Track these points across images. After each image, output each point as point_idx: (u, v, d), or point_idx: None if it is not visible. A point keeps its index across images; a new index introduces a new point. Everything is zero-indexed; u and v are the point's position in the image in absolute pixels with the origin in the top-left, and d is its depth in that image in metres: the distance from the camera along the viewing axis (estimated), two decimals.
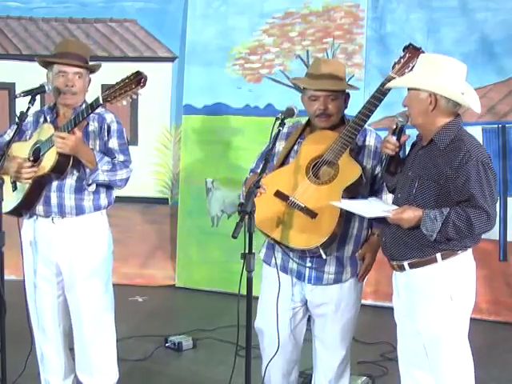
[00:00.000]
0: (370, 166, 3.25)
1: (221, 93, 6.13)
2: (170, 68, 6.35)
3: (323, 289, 3.28)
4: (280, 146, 3.36)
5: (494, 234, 5.34)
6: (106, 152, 3.54)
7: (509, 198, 5.41)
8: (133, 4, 6.37)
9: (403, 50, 3.20)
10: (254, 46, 6.07)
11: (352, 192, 3.14)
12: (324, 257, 3.13)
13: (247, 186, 3.21)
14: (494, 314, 5.40)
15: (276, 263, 3.20)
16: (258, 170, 3.33)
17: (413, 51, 3.17)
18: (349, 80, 5.60)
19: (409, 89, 2.95)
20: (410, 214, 2.85)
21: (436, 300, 2.93)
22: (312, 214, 3.08)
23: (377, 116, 5.66)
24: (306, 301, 3.34)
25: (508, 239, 5.44)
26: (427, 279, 2.94)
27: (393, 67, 3.18)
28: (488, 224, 2.82)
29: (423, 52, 3.19)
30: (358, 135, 3.15)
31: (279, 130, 3.09)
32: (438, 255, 2.91)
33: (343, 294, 3.29)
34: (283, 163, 3.29)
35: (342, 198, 3.08)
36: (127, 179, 3.57)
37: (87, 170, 3.45)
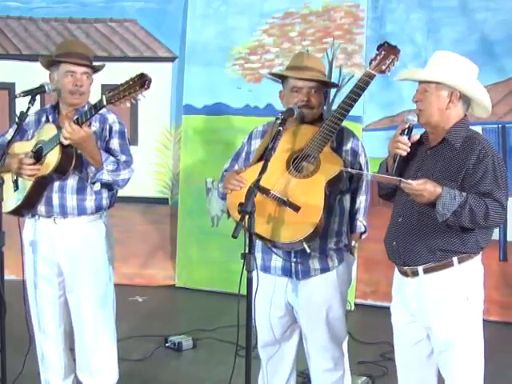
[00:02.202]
0: (349, 162, 3.23)
1: (221, 93, 6.13)
2: (170, 68, 6.35)
3: (309, 285, 3.23)
4: (255, 144, 3.35)
5: (494, 234, 5.33)
6: (108, 152, 3.54)
7: (509, 198, 5.40)
8: (133, 4, 6.37)
9: (377, 49, 3.20)
10: (254, 46, 6.07)
11: (333, 186, 3.12)
12: (308, 251, 3.07)
13: (227, 182, 3.16)
14: (494, 314, 5.40)
15: (256, 263, 3.14)
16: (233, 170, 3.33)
17: (388, 49, 3.19)
18: (348, 80, 5.63)
19: (423, 83, 2.89)
20: (432, 187, 2.76)
21: (452, 303, 2.89)
22: (295, 207, 3.04)
23: (376, 116, 5.70)
24: (292, 308, 3.29)
25: (508, 239, 5.44)
26: (443, 283, 2.89)
27: (370, 63, 3.19)
28: (502, 217, 2.81)
29: (399, 50, 3.19)
30: (338, 129, 3.13)
31: (279, 130, 3.08)
32: (455, 259, 2.87)
33: (328, 290, 3.24)
34: (260, 160, 3.22)
35: (325, 191, 3.06)
36: (129, 179, 3.57)
37: (92, 169, 3.45)
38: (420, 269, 2.91)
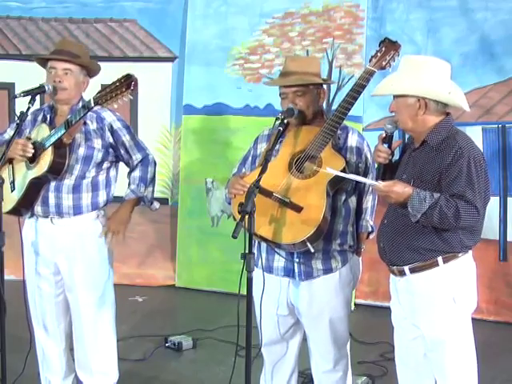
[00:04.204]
0: (354, 161, 3.23)
1: (221, 93, 6.13)
2: (170, 68, 6.35)
3: (312, 285, 3.22)
4: (261, 148, 3.35)
5: (494, 233, 5.34)
6: (125, 152, 3.63)
7: (509, 198, 5.41)
8: (133, 4, 6.37)
9: (379, 45, 3.20)
10: (254, 45, 6.07)
11: (336, 185, 3.13)
12: (312, 250, 3.08)
13: (231, 187, 3.17)
14: (494, 314, 5.40)
15: (262, 264, 3.18)
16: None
17: (389, 45, 3.19)
18: (348, 80, 5.63)
19: (395, 95, 2.93)
20: (400, 189, 2.80)
21: (439, 303, 2.90)
22: (297, 208, 3.06)
23: (377, 116, 5.70)
24: (294, 307, 3.29)
25: (508, 239, 5.43)
26: (429, 283, 2.90)
27: (370, 60, 3.19)
28: (476, 219, 2.80)
29: (399, 45, 3.19)
30: (339, 128, 3.14)
31: (279, 130, 3.09)
32: (440, 259, 2.88)
33: (330, 292, 3.24)
34: None
35: (327, 191, 3.07)
36: (155, 170, 3.73)
37: (141, 203, 3.66)
38: (406, 268, 2.93)
